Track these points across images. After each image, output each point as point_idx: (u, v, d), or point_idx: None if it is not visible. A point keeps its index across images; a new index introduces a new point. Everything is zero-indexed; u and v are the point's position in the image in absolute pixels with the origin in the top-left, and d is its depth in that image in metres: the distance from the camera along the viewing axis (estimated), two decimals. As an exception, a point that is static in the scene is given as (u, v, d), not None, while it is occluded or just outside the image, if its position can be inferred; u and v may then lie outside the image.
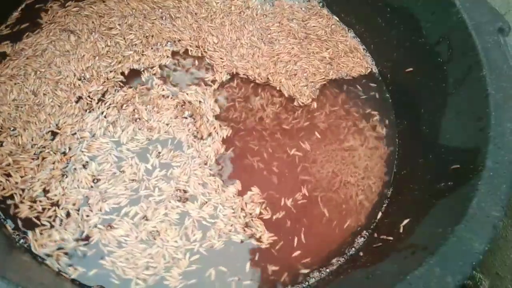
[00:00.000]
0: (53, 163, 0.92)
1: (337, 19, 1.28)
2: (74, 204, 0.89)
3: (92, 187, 0.91)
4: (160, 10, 1.18)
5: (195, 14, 1.19)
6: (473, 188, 0.79)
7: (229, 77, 1.10)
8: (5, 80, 1.00)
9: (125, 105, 1.01)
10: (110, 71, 1.05)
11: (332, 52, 1.20)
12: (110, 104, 1.01)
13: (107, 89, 1.03)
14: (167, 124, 0.99)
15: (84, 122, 0.98)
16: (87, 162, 0.93)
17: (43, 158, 0.92)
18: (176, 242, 0.88)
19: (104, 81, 1.03)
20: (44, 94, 0.99)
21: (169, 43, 1.12)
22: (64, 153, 0.94)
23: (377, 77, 1.20)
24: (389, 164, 1.08)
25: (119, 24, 1.12)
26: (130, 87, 1.04)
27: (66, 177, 0.91)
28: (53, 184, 0.90)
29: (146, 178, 0.94)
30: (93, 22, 1.12)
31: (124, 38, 1.10)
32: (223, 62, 1.12)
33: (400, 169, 1.07)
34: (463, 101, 0.95)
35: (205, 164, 0.96)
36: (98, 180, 0.92)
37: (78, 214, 0.88)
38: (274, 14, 1.24)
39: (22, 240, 0.84)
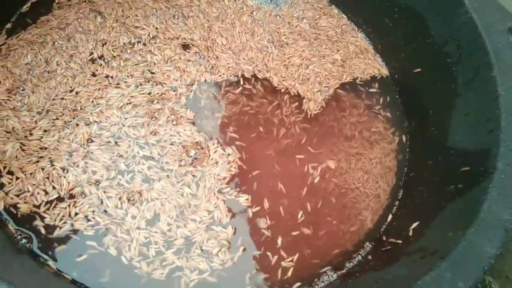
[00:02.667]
0: (61, 115, 0.96)
1: (346, 18, 1.27)
2: (58, 151, 0.92)
3: (83, 144, 0.94)
4: (174, 9, 1.18)
5: (207, 13, 1.19)
6: (484, 191, 0.78)
7: (236, 79, 1.09)
8: (24, 44, 1.04)
9: (156, 101, 1.01)
10: (137, 70, 1.06)
11: (343, 54, 1.19)
12: (144, 92, 1.02)
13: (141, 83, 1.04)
14: (171, 144, 0.97)
15: (104, 92, 1.01)
16: (91, 123, 0.96)
17: (48, 111, 0.96)
18: (84, 218, 0.87)
19: (129, 76, 1.04)
20: (57, 64, 1.02)
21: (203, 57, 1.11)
22: (75, 110, 0.97)
23: (387, 78, 1.19)
24: (398, 167, 1.06)
25: (145, 24, 1.13)
26: (173, 90, 1.04)
27: (67, 128, 0.95)
28: (52, 132, 0.94)
29: (137, 162, 0.94)
30: (122, 11, 1.14)
31: (162, 53, 1.09)
32: (229, 64, 1.11)
33: (409, 171, 1.06)
34: (473, 102, 0.93)
35: (181, 210, 0.91)
36: (92, 141, 0.95)
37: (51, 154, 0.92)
38: (285, 14, 1.23)
39: (24, 240, 0.83)
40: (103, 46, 1.07)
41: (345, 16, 1.27)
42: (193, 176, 0.94)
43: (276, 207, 0.95)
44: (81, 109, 0.98)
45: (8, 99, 0.96)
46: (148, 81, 1.04)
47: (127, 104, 1.00)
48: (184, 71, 1.07)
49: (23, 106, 0.96)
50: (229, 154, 0.98)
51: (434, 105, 1.05)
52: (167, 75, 1.05)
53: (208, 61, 1.10)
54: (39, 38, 1.06)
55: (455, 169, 0.90)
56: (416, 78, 1.11)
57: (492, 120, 0.86)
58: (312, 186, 0.98)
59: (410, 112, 1.13)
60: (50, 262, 0.82)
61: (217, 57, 1.11)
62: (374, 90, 1.16)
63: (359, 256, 0.94)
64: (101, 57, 1.06)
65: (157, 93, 1.02)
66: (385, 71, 1.20)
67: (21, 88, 0.98)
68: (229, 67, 1.10)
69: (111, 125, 0.97)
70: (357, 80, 1.16)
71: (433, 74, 1.07)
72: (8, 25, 1.08)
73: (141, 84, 1.03)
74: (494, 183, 0.77)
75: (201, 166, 0.95)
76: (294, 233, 0.93)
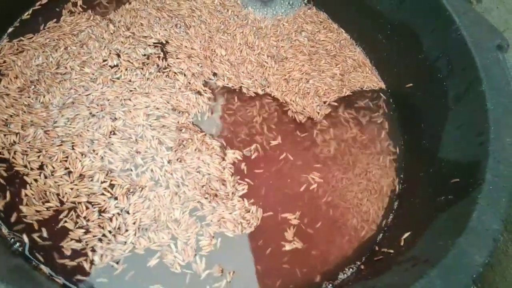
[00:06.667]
0: (87, 108, 1.00)
1: (345, 33, 1.30)
2: (81, 138, 0.96)
3: (105, 135, 0.97)
4: (176, 18, 1.21)
5: (208, 24, 1.21)
6: (473, 201, 0.79)
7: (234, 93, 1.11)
8: (36, 46, 1.07)
9: (184, 129, 1.02)
10: (161, 92, 1.07)
11: (342, 68, 1.21)
12: (174, 120, 1.02)
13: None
14: (197, 171, 0.96)
15: (133, 96, 1.04)
16: (116, 118, 1.00)
17: (73, 103, 1.00)
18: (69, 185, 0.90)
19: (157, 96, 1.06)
20: (71, 68, 1.05)
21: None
22: (103, 105, 1.01)
23: (384, 92, 1.22)
24: (393, 179, 1.08)
25: (151, 33, 1.16)
26: (202, 122, 1.05)
27: (93, 117, 0.99)
28: (76, 121, 0.98)
29: (157, 164, 0.96)
30: (130, 18, 1.18)
31: (184, 73, 1.11)
32: (228, 74, 1.12)
33: (402, 183, 1.08)
34: (463, 116, 0.96)
35: (152, 224, 0.90)
36: (114, 134, 0.98)
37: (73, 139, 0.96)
38: (285, 27, 1.26)
39: (17, 244, 0.84)
40: (118, 56, 1.10)
41: (343, 30, 1.30)
42: (201, 208, 0.93)
43: (267, 222, 0.95)
44: (109, 105, 1.01)
45: (20, 96, 0.99)
46: (174, 109, 1.04)
47: (155, 120, 1.01)
48: (199, 93, 1.08)
49: (37, 104, 0.98)
50: (247, 212, 0.95)
51: (426, 119, 1.08)
52: (187, 104, 1.05)
53: (214, 75, 1.12)
54: (52, 41, 1.08)
55: (446, 180, 0.92)
56: (408, 93, 1.14)
57: (481, 134, 0.88)
58: (306, 200, 0.99)
59: (403, 125, 1.16)
60: (42, 266, 0.83)
61: (215, 67, 1.13)
62: (371, 103, 1.18)
63: (352, 267, 0.94)
64: (117, 65, 1.08)
65: (184, 123, 1.03)
66: (382, 85, 1.23)
67: (33, 87, 1.01)
68: (229, 78, 1.12)
69: (136, 125, 0.99)
70: (356, 94, 1.18)
71: (425, 88, 1.09)
72: (10, 29, 1.11)
73: (168, 111, 1.04)
74: (483, 194, 0.79)
75: (216, 203, 0.94)
76: (287, 247, 0.93)
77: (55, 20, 1.13)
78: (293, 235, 0.94)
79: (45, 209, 0.87)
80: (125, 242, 0.87)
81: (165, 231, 0.89)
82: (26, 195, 0.88)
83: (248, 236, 0.92)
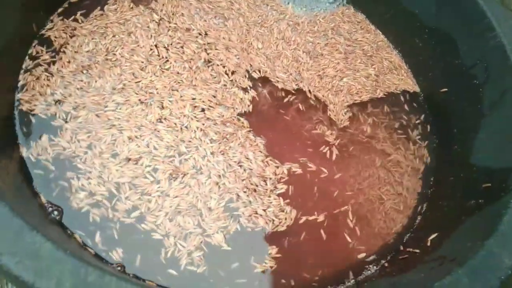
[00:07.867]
0: (136, 94, 1.02)
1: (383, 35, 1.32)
2: (129, 123, 0.98)
3: (152, 122, 0.99)
4: (216, 10, 1.23)
5: (246, 17, 1.24)
6: (504, 205, 0.80)
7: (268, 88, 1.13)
8: (86, 33, 1.10)
9: (229, 124, 1.04)
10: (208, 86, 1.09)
11: (377, 69, 1.22)
12: (219, 113, 1.05)
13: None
14: (239, 165, 0.98)
15: (181, 87, 1.06)
16: (164, 107, 1.02)
17: (123, 88, 1.02)
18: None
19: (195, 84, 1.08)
20: (121, 56, 1.08)
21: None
22: (151, 93, 1.03)
23: (418, 95, 1.22)
24: (423, 182, 1.08)
25: (191, 24, 1.17)
26: (246, 119, 1.06)
27: (141, 104, 1.01)
28: (125, 106, 1.00)
29: (201, 153, 0.98)
30: (172, 8, 1.20)
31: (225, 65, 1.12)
32: (263, 67, 1.14)
33: (430, 186, 1.08)
34: (497, 123, 0.96)
35: (188, 208, 0.92)
36: (161, 122, 1.00)
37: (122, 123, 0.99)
38: (322, 24, 1.28)
39: (55, 213, 0.87)
40: (166, 49, 1.11)
41: (380, 32, 1.32)
42: (237, 200, 0.94)
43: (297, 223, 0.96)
44: (157, 94, 1.03)
45: (74, 79, 1.02)
46: (220, 104, 1.06)
47: (201, 112, 1.03)
48: (245, 89, 1.10)
49: (90, 88, 1.01)
50: (282, 211, 0.96)
51: (459, 124, 1.08)
52: (233, 99, 1.07)
53: (250, 66, 1.14)
54: (99, 29, 1.11)
55: (477, 185, 0.93)
56: (443, 97, 1.14)
57: (515, 140, 0.89)
58: (335, 199, 1.00)
59: (436, 129, 1.16)
60: (77, 235, 0.85)
61: (251, 59, 1.15)
62: (405, 106, 1.19)
63: (377, 265, 0.95)
64: (165, 57, 1.10)
65: (229, 117, 1.05)
66: (417, 88, 1.23)
67: (85, 72, 1.04)
68: (265, 71, 1.14)
69: (182, 115, 1.02)
70: (389, 96, 1.19)
71: (460, 94, 1.10)
72: (60, 9, 1.13)
73: (214, 105, 1.06)
74: (515, 199, 0.80)
75: (253, 197, 0.96)
76: (314, 245, 0.94)
77: (99, 7, 1.16)
78: (316, 234, 0.95)
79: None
80: (155, 222, 0.89)
81: (194, 217, 0.91)
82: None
83: (275, 233, 0.94)
